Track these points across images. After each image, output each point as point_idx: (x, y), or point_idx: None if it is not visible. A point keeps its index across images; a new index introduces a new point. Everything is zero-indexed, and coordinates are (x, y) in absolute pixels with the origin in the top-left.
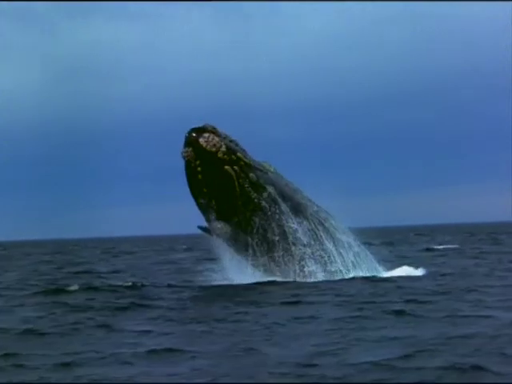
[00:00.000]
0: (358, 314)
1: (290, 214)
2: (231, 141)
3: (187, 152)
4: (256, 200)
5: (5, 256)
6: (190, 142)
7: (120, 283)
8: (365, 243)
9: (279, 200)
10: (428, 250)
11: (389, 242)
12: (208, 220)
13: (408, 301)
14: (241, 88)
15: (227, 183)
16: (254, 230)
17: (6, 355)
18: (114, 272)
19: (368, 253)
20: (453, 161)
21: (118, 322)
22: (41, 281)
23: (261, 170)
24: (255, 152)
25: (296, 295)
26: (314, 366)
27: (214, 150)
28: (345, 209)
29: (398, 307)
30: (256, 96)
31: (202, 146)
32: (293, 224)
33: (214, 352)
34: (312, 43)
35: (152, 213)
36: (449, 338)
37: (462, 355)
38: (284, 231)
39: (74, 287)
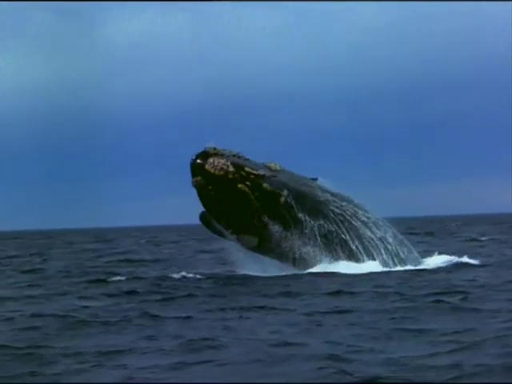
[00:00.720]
0: (398, 305)
1: (307, 218)
2: (234, 155)
3: (197, 181)
4: (274, 209)
5: (48, 244)
6: (197, 170)
7: (163, 273)
8: (406, 233)
9: (295, 205)
10: (472, 240)
11: (429, 232)
12: (232, 234)
13: (450, 293)
14: (286, 77)
15: (244, 200)
16: (278, 238)
17: (47, 343)
18: (156, 261)
19: (407, 244)
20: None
21: (160, 311)
22: (84, 269)
23: (272, 176)
24: (302, 141)
25: (337, 286)
26: (348, 360)
27: (222, 173)
28: (383, 198)
29: (439, 299)
30: (303, 84)
31: (209, 172)
32: (312, 227)
33: (249, 342)
34: (361, 33)
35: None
36: (491, 331)
37: (505, 347)
38: (305, 235)
39: (118, 277)
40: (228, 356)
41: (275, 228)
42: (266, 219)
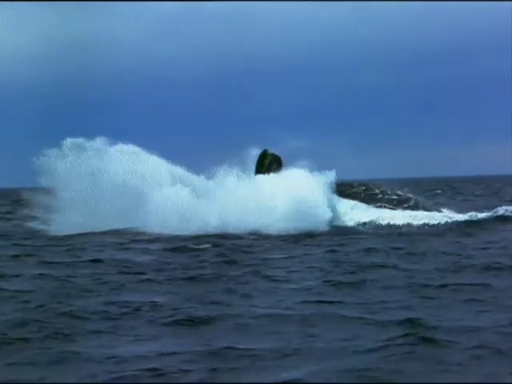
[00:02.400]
0: (438, 266)
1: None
2: None
3: None
4: None
5: None
6: None
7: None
8: (455, 193)
9: None
10: None
11: (472, 191)
12: None
13: (503, 254)
14: (331, 34)
15: None
16: None
17: (85, 298)
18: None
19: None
20: None
21: (207, 270)
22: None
23: None
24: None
25: (373, 243)
26: (378, 323)
27: None
28: (427, 158)
29: (490, 260)
30: (347, 42)
31: None
32: None
33: (284, 300)
34: None
35: None
36: None
37: None
38: None
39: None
40: (262, 313)
41: None
42: None
